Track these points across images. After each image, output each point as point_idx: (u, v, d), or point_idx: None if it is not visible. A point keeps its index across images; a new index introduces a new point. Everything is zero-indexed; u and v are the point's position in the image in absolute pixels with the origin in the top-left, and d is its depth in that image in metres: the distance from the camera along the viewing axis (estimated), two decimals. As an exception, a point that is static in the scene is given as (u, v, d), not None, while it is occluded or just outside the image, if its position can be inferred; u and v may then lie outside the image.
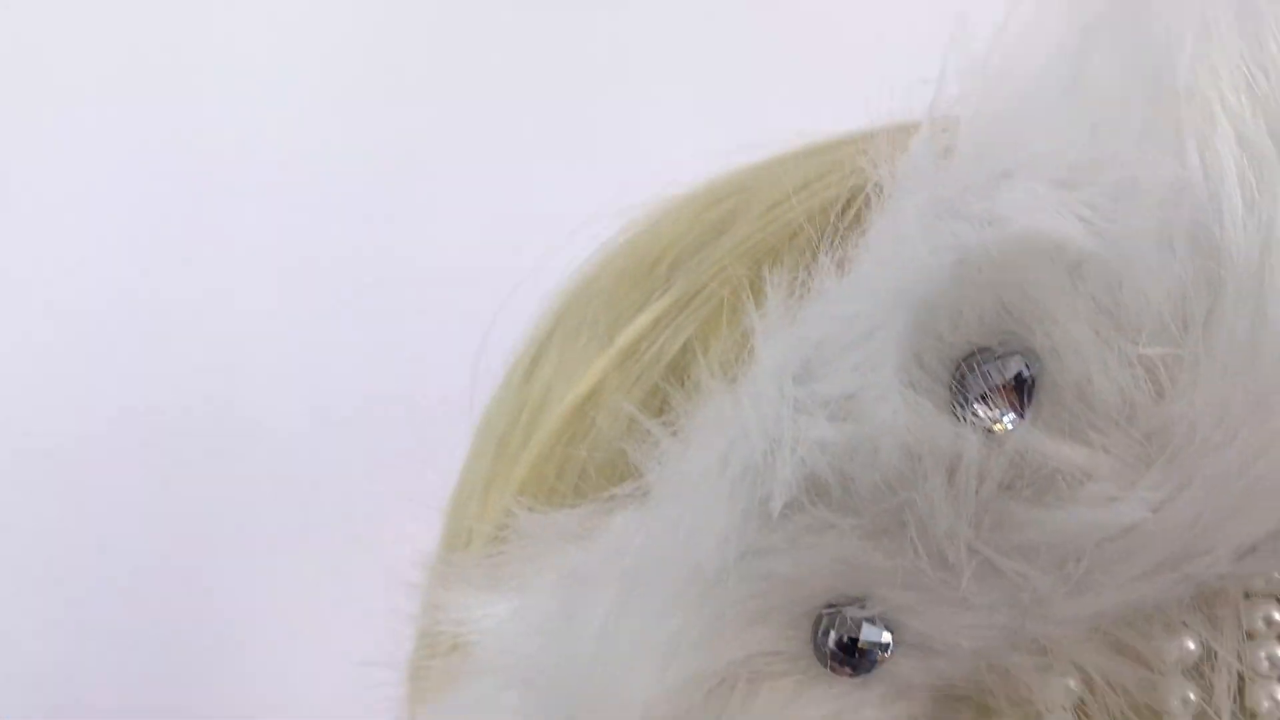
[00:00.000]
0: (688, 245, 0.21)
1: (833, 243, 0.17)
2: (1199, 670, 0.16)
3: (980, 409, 0.15)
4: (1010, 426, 0.15)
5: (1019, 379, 0.15)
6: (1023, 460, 0.15)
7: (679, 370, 0.20)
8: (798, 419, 0.16)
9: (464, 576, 0.20)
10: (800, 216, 0.19)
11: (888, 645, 0.16)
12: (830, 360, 0.16)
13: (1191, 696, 0.16)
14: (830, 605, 0.17)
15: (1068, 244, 0.15)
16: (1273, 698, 0.16)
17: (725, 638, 0.16)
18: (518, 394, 0.23)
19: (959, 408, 0.15)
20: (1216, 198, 0.15)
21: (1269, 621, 0.16)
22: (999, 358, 0.15)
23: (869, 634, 0.16)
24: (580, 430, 0.21)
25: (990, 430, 0.15)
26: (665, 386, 0.19)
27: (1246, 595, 0.16)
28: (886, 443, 0.15)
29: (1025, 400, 0.15)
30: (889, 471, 0.15)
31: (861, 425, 0.15)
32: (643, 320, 0.21)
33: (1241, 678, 0.16)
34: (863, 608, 0.16)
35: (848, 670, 0.17)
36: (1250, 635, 0.16)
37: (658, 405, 0.19)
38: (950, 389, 0.16)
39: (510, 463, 0.22)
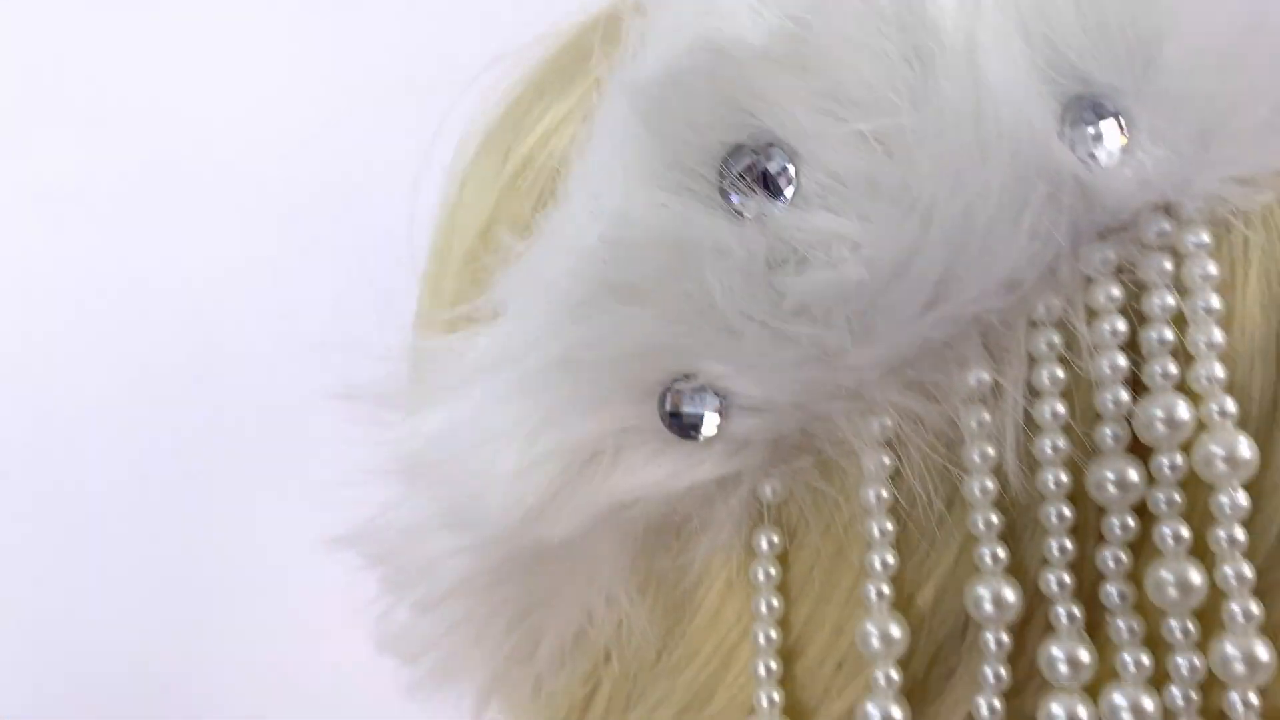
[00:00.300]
0: (555, 83, 0.23)
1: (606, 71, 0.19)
2: (991, 396, 0.18)
3: (740, 198, 0.17)
4: (768, 211, 0.17)
5: (769, 169, 0.17)
6: (784, 238, 0.17)
7: (548, 195, 0.22)
8: (596, 230, 0.18)
9: (405, 405, 0.23)
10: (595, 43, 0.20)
11: (717, 409, 0.19)
12: (612, 177, 0.18)
13: (986, 418, 0.18)
14: (666, 382, 0.19)
15: (776, 41, 0.16)
16: (1054, 412, 0.18)
17: (578, 417, 0.19)
18: (444, 231, 0.26)
19: (723, 200, 0.17)
20: None
21: (1050, 345, 0.18)
22: (752, 152, 0.17)
23: (697, 403, 0.19)
24: (481, 257, 0.23)
25: (751, 217, 0.17)
26: (536, 212, 0.22)
27: (1032, 324, 0.18)
28: (657, 238, 0.17)
29: (780, 186, 0.17)
30: (666, 261, 0.17)
31: (635, 230, 0.17)
32: (527, 140, 0.23)
33: (1027, 398, 0.18)
34: (689, 380, 0.19)
35: (691, 434, 0.19)
36: (1033, 359, 0.18)
37: (528, 230, 0.21)
38: (715, 185, 0.17)
39: (440, 296, 0.25)
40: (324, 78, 0.62)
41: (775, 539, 0.20)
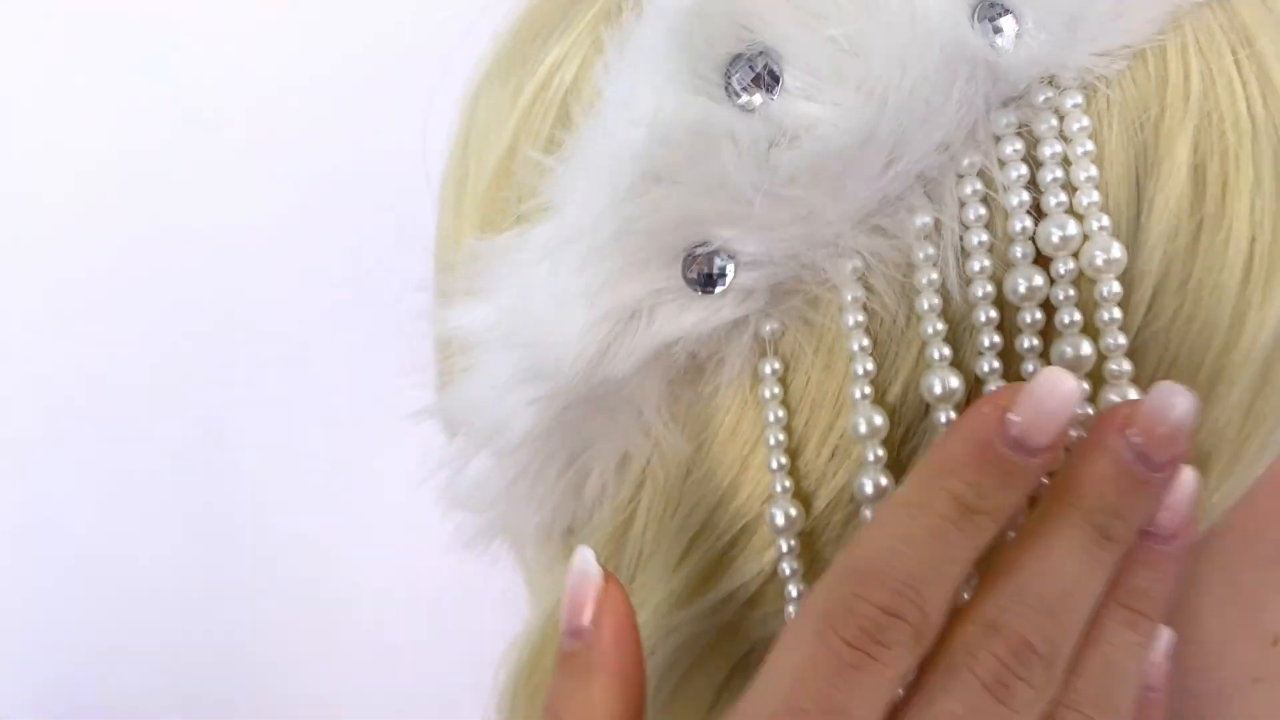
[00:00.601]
0: (554, 20, 0.28)
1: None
2: (934, 233, 0.24)
3: (744, 95, 0.23)
4: (765, 104, 0.23)
5: (764, 69, 0.23)
6: (778, 123, 0.23)
7: (563, 116, 0.27)
8: (629, 132, 0.23)
9: (453, 294, 0.28)
10: None
11: (728, 267, 0.25)
12: (640, 84, 0.23)
13: (931, 250, 0.24)
14: (688, 250, 0.25)
15: None
16: (980, 240, 0.24)
17: (626, 281, 0.25)
18: (458, 158, 0.31)
19: (731, 98, 0.23)
20: None
21: (974, 190, 0.24)
22: (749, 58, 0.23)
23: (713, 264, 0.25)
24: (505, 179, 0.28)
25: (753, 109, 0.23)
26: (556, 131, 0.27)
27: (959, 176, 0.24)
28: (685, 131, 0.23)
29: (772, 83, 0.23)
30: (692, 148, 0.23)
31: (664, 127, 0.23)
32: (537, 77, 0.28)
33: (960, 231, 0.24)
34: (705, 245, 0.24)
35: (709, 290, 0.25)
36: (962, 202, 0.24)
37: (552, 145, 0.27)
38: (724, 87, 0.23)
39: (465, 214, 0.30)
40: (331, 28, 0.62)
41: (776, 365, 0.26)
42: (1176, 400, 0.22)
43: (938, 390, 0.24)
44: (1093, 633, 0.23)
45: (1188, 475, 0.23)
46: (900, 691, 0.22)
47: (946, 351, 0.24)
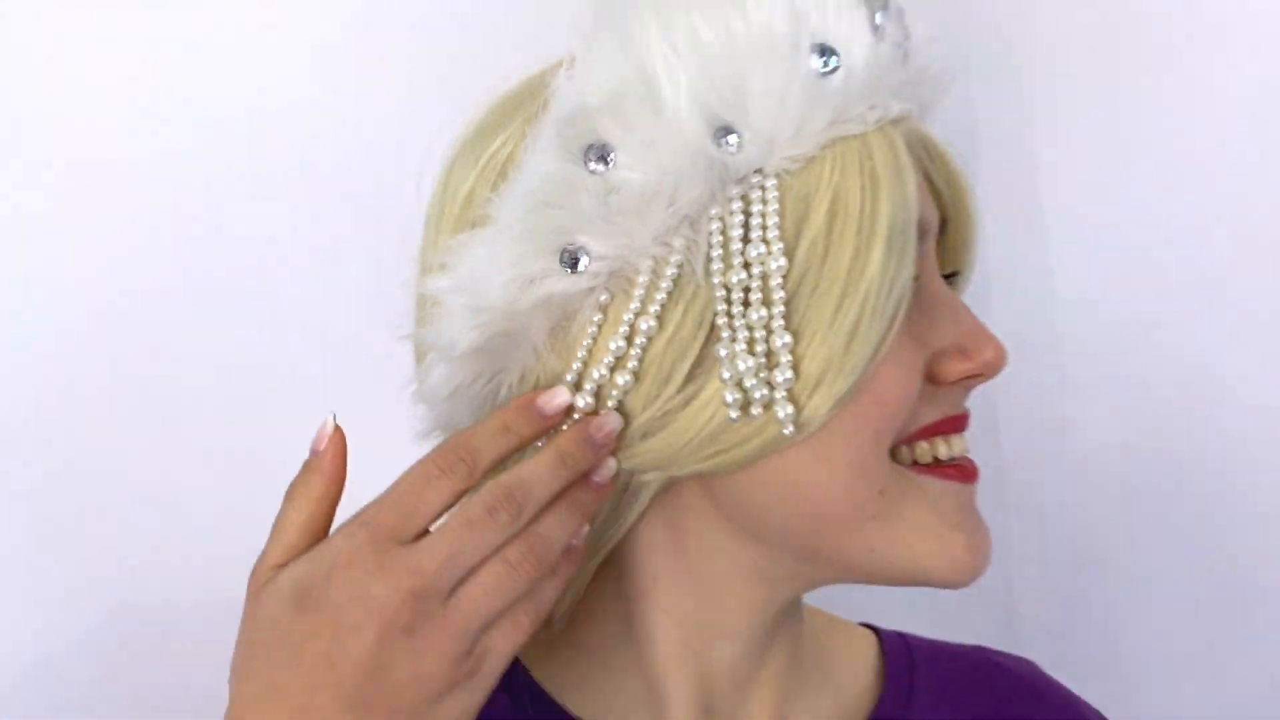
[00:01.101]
0: (503, 118, 0.50)
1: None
2: (693, 249, 0.45)
3: (592, 165, 0.44)
4: (603, 170, 0.44)
5: (603, 152, 0.44)
6: (610, 182, 0.44)
7: (503, 173, 0.48)
8: (533, 181, 0.45)
9: (429, 269, 0.49)
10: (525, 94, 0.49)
11: (583, 259, 0.45)
12: (540, 156, 0.45)
13: (691, 258, 0.45)
14: (562, 246, 0.45)
15: (606, 100, 0.45)
16: (718, 254, 0.45)
17: (526, 261, 0.45)
18: (439, 196, 0.52)
19: (586, 166, 0.44)
20: None
21: (715, 228, 0.45)
22: (595, 145, 0.45)
23: (577, 256, 0.45)
24: (467, 209, 0.49)
25: (598, 174, 0.44)
26: (498, 180, 0.48)
27: (708, 218, 0.46)
28: (561, 183, 0.44)
29: (608, 160, 0.44)
30: (564, 193, 0.45)
31: (550, 180, 0.45)
32: (489, 151, 0.49)
33: (707, 250, 0.45)
34: (572, 245, 0.45)
35: (573, 270, 0.45)
36: (709, 233, 0.45)
37: (494, 188, 0.48)
38: (582, 162, 0.45)
39: (441, 230, 0.51)
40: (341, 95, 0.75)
41: (601, 316, 0.46)
42: (606, 421, 0.45)
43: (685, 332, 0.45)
44: (547, 508, 0.44)
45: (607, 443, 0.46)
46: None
47: (693, 314, 0.45)
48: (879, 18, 0.47)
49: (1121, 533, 0.92)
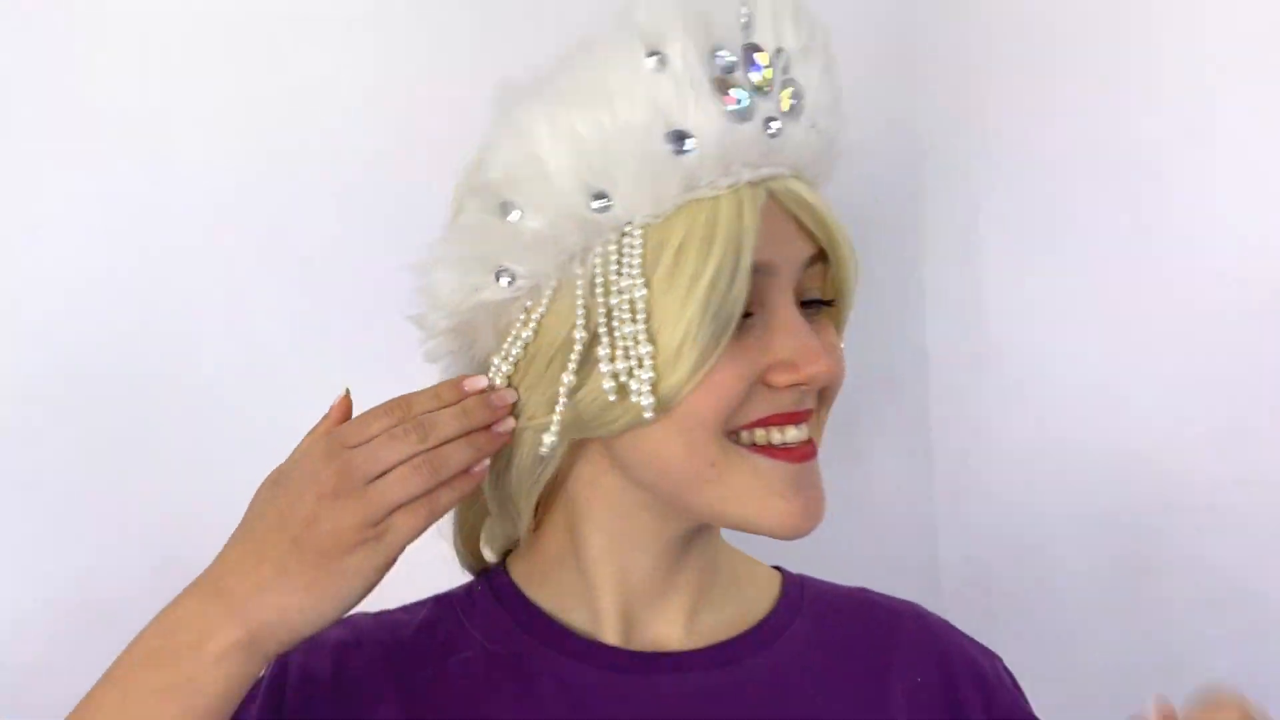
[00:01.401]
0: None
1: None
2: (580, 278, 0.62)
3: (509, 215, 0.63)
4: (514, 220, 0.63)
5: (510, 209, 0.64)
6: (519, 229, 0.62)
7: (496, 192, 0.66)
8: (472, 231, 0.66)
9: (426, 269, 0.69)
10: None
11: (508, 279, 0.64)
12: (469, 212, 0.65)
13: (581, 285, 0.62)
14: (496, 268, 0.64)
15: (507, 168, 0.63)
16: (600, 284, 0.63)
17: (470, 276, 0.64)
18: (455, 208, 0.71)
19: (502, 218, 0.63)
20: None
21: (596, 265, 0.62)
22: (506, 202, 0.63)
23: (505, 277, 0.64)
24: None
25: (512, 222, 0.63)
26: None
27: (593, 257, 0.63)
28: (485, 229, 0.64)
29: (514, 212, 0.64)
30: (489, 236, 0.63)
31: (481, 229, 0.64)
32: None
33: (592, 278, 0.62)
34: (502, 268, 0.64)
35: (506, 284, 0.64)
36: (592, 268, 0.63)
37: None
38: (501, 215, 0.64)
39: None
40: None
41: (533, 318, 0.64)
42: (505, 395, 0.63)
43: (577, 334, 0.63)
44: (453, 442, 0.60)
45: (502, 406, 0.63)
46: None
47: (582, 324, 0.62)
48: (746, 100, 0.60)
49: (1038, 517, 1.06)
